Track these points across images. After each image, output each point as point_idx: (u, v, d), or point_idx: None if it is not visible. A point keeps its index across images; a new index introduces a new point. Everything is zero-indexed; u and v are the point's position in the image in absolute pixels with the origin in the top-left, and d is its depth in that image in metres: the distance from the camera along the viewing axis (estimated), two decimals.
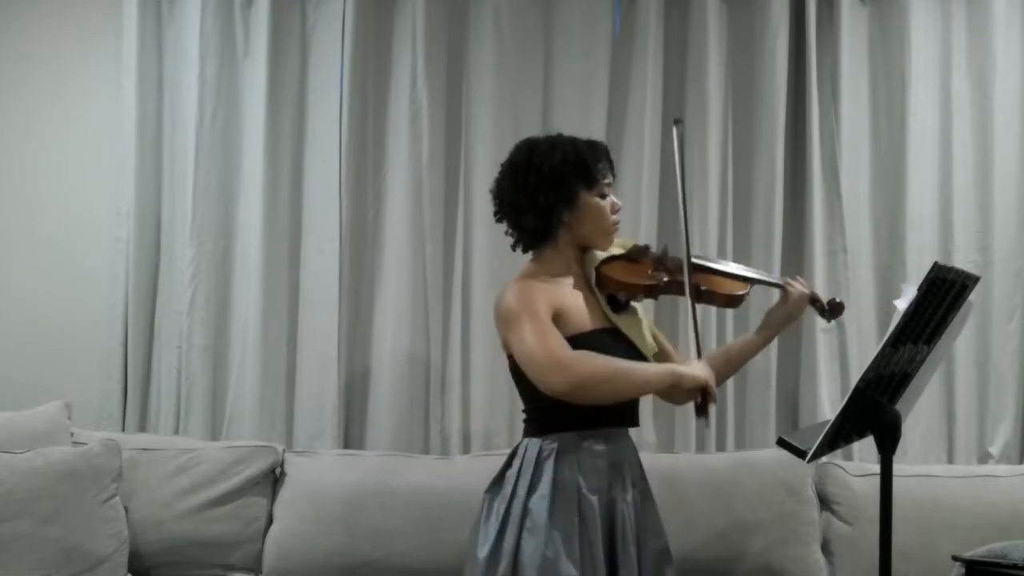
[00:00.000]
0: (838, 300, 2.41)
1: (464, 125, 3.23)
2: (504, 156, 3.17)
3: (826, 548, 2.91)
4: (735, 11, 3.26)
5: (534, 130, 3.18)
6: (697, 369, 2.09)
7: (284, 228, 3.20)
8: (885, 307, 3.18)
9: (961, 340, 3.07)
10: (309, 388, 3.18)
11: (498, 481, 2.15)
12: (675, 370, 2.09)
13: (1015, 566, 2.33)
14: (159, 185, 3.24)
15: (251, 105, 3.20)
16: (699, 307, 2.22)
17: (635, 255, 2.26)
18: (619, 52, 3.24)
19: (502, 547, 2.05)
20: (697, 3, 3.21)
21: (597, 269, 2.19)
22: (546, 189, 2.12)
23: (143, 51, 3.19)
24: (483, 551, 2.07)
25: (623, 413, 2.20)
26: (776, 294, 2.40)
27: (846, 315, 3.15)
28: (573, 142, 2.18)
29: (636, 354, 2.16)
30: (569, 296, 2.15)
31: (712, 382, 2.09)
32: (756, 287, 2.37)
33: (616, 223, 2.22)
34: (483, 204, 3.19)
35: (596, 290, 2.20)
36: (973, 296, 1.98)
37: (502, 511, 2.08)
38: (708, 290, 2.23)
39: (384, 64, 3.24)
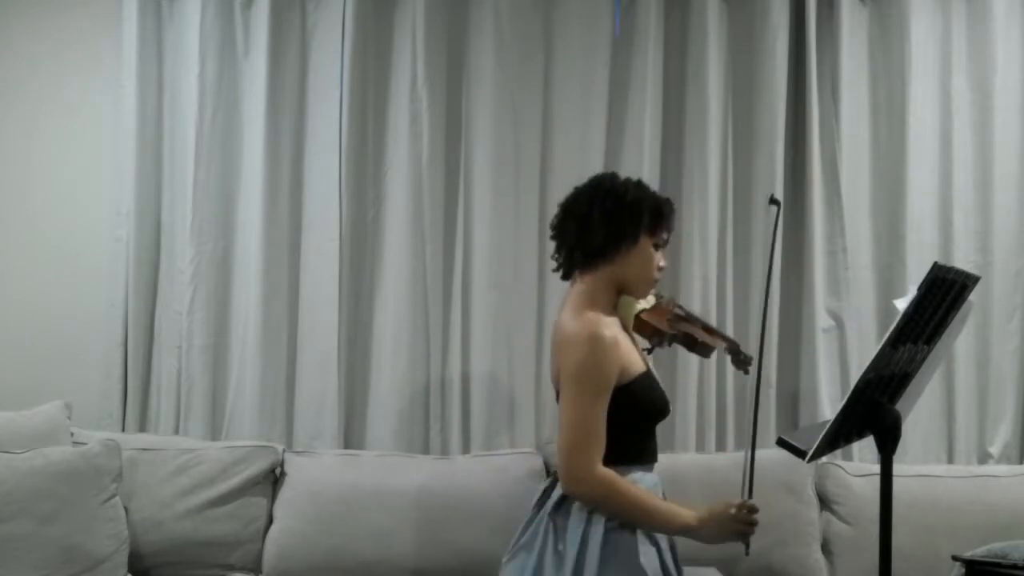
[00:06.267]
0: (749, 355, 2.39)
1: (464, 125, 3.23)
2: (503, 156, 3.21)
3: (826, 548, 2.92)
4: (735, 11, 3.26)
5: (534, 130, 3.21)
6: (709, 528, 2.09)
7: (284, 228, 3.20)
8: (885, 307, 3.19)
9: (961, 340, 3.07)
10: (309, 388, 3.18)
11: (563, 500, 2.14)
12: (691, 529, 2.10)
13: (1015, 566, 2.33)
14: (159, 185, 3.24)
15: (251, 105, 3.20)
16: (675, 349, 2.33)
17: (657, 305, 2.34)
18: (619, 52, 3.24)
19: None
20: (697, 3, 3.21)
21: (638, 315, 2.25)
22: (621, 214, 2.18)
23: (143, 51, 3.19)
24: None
25: (656, 449, 2.25)
26: None
27: (846, 315, 3.21)
28: (654, 192, 2.26)
29: (665, 394, 2.24)
30: (624, 336, 2.20)
31: (727, 531, 2.08)
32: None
33: (657, 280, 2.26)
34: (483, 204, 3.20)
35: (634, 335, 2.25)
36: (973, 296, 1.98)
37: (577, 539, 2.08)
38: (703, 341, 2.30)
39: (384, 64, 3.24)
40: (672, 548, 2.21)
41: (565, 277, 2.26)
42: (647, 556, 2.08)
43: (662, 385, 2.28)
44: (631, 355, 2.16)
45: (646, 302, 2.30)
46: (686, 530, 2.10)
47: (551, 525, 2.13)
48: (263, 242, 3.16)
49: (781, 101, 3.20)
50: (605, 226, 2.17)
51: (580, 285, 2.22)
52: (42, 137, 3.26)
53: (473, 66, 3.23)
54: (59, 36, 3.27)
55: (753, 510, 2.06)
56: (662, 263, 2.25)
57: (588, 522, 2.09)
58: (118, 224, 3.19)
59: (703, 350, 2.32)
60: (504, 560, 2.19)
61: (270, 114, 3.17)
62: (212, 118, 3.19)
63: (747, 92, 3.25)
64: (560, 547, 2.09)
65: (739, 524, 2.06)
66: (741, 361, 2.31)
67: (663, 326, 2.25)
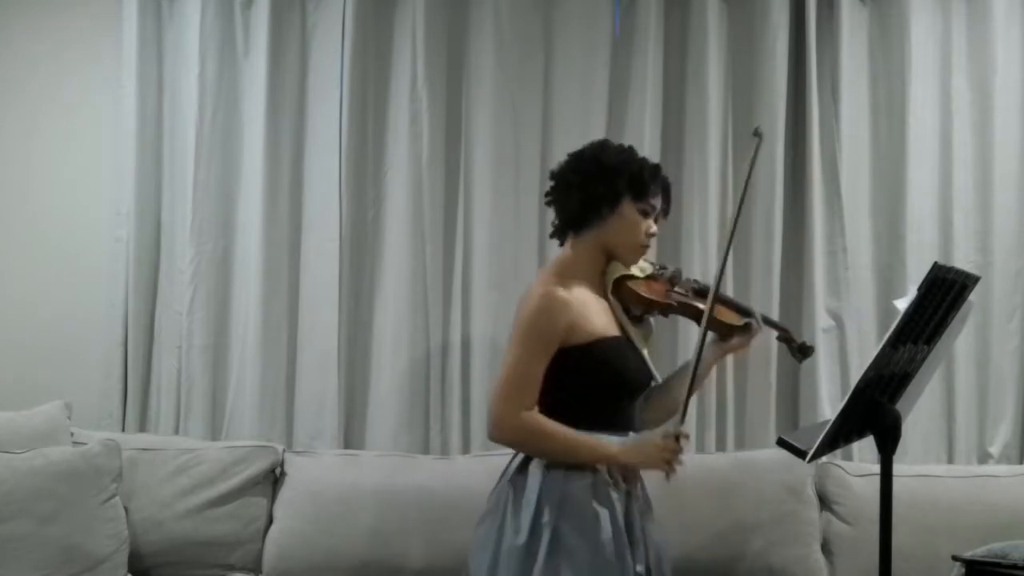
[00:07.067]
0: (809, 344, 2.39)
1: (464, 125, 3.23)
2: (503, 156, 3.21)
3: (826, 548, 2.91)
4: (735, 11, 3.26)
5: (534, 130, 3.21)
6: (631, 456, 2.12)
7: (284, 228, 3.20)
8: (885, 307, 3.18)
9: (961, 340, 3.07)
10: (309, 388, 3.18)
11: (523, 469, 2.17)
12: (612, 457, 2.12)
13: (1015, 566, 2.33)
14: (159, 185, 3.24)
15: (251, 105, 3.20)
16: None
17: (653, 274, 2.30)
18: (619, 52, 3.24)
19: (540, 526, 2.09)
20: (697, 3, 3.21)
21: (617, 280, 2.23)
22: (598, 181, 2.19)
23: (143, 51, 3.19)
24: (521, 538, 2.09)
25: (631, 420, 2.23)
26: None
27: (846, 315, 3.20)
28: (642, 158, 2.26)
29: (645, 366, 2.23)
30: (593, 300, 2.20)
31: (650, 458, 2.10)
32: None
33: (646, 246, 2.25)
34: (483, 204, 3.20)
35: (613, 300, 2.24)
36: (973, 296, 1.98)
37: (533, 499, 2.11)
38: (715, 318, 2.23)
39: (384, 64, 3.24)
40: (638, 500, 2.19)
41: (560, 244, 2.28)
42: (602, 503, 2.09)
43: (649, 361, 2.24)
44: (593, 317, 2.15)
45: (639, 270, 2.27)
46: (610, 458, 2.12)
47: (511, 488, 2.16)
48: (263, 242, 3.16)
49: (781, 101, 3.20)
50: (583, 191, 2.19)
51: (565, 250, 2.25)
52: (42, 137, 3.26)
53: (473, 66, 3.23)
54: (59, 36, 3.27)
55: (681, 437, 2.08)
56: (652, 230, 2.23)
57: (544, 476, 2.11)
58: (118, 224, 3.19)
59: (716, 327, 2.25)
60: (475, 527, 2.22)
61: (270, 114, 3.17)
62: (212, 118, 3.19)
63: (747, 92, 3.24)
64: (519, 505, 2.11)
65: (664, 452, 2.07)
66: (797, 350, 2.28)
67: (652, 295, 2.21)
